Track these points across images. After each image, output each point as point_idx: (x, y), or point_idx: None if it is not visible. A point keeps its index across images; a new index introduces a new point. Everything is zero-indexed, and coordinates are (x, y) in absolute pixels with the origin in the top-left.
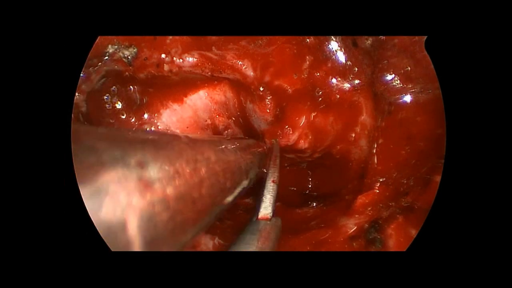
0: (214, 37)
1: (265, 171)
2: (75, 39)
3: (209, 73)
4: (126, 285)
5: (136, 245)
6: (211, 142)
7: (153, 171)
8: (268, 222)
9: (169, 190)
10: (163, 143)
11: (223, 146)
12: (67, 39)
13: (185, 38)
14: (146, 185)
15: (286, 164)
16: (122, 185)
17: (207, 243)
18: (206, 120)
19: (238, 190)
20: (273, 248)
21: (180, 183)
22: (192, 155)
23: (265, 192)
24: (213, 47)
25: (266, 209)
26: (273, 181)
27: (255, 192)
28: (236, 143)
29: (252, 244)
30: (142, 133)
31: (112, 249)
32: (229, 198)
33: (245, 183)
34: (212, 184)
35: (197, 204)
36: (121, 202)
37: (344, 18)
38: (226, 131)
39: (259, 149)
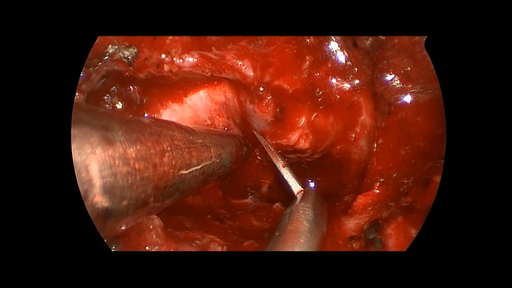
0: (214, 37)
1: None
2: (75, 39)
3: (209, 73)
4: (127, 285)
5: (97, 186)
6: (180, 126)
7: (117, 134)
8: (303, 191)
9: (130, 151)
10: (130, 118)
11: (191, 130)
12: (67, 39)
13: (185, 38)
14: (108, 142)
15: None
16: (86, 139)
17: (208, 244)
18: (206, 120)
19: (208, 169)
20: (314, 203)
21: (141, 148)
22: (156, 130)
23: (284, 177)
24: (213, 47)
25: (295, 187)
26: (282, 166)
27: (253, 193)
28: (208, 131)
29: (297, 204)
30: (115, 111)
31: (80, 188)
32: (197, 174)
33: (216, 164)
34: (175, 157)
35: (158, 169)
36: (85, 151)
37: (344, 18)
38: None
39: (235, 140)
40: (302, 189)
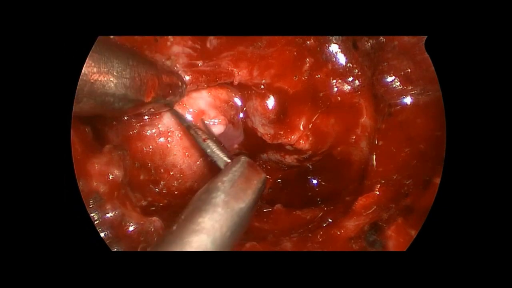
0: (210, 48)
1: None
2: (75, 39)
3: (205, 85)
4: (127, 285)
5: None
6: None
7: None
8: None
9: None
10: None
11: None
12: (66, 39)
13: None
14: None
15: (285, 167)
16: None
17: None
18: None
19: (128, 82)
20: (235, 174)
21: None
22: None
23: (207, 152)
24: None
25: (220, 161)
26: (203, 140)
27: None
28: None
29: (214, 178)
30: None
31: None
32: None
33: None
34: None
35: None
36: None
37: (345, 18)
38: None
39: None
40: (229, 161)
